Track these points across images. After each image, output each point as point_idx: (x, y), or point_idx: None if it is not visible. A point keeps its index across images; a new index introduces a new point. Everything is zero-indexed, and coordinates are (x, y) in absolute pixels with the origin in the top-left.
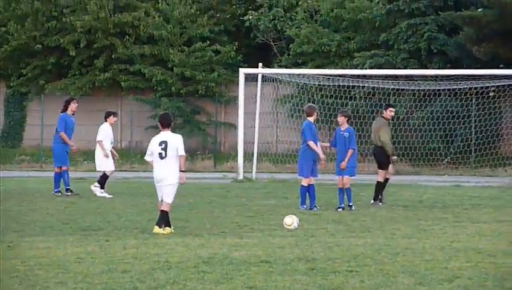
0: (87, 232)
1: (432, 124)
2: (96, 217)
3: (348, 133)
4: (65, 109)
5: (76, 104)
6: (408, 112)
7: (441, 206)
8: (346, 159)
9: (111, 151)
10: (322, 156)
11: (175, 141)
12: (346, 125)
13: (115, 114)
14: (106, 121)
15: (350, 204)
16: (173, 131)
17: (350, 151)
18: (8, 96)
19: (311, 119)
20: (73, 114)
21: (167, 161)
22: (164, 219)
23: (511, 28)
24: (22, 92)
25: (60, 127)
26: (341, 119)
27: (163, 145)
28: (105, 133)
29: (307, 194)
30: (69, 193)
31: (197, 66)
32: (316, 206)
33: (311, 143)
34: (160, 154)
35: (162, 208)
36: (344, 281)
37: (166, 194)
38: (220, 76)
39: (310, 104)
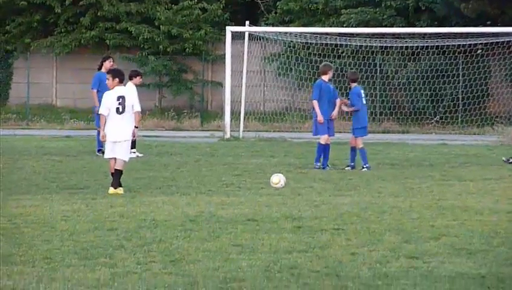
0: (74, 191)
1: (419, 83)
2: (82, 175)
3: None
4: (100, 67)
5: (111, 63)
6: (394, 71)
7: (428, 165)
8: (336, 109)
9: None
10: (319, 117)
11: (132, 96)
12: (354, 85)
13: (141, 74)
14: (131, 81)
15: (366, 165)
16: (159, 89)
17: (338, 102)
18: None
19: (325, 77)
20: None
21: (124, 116)
22: (117, 178)
23: None
24: (7, 50)
25: (93, 85)
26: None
27: (120, 100)
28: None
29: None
30: (100, 154)
31: (184, 24)
32: (328, 165)
33: (313, 103)
34: (117, 109)
35: (117, 167)
36: (330, 239)
37: (122, 151)
38: (207, 34)
39: (326, 62)
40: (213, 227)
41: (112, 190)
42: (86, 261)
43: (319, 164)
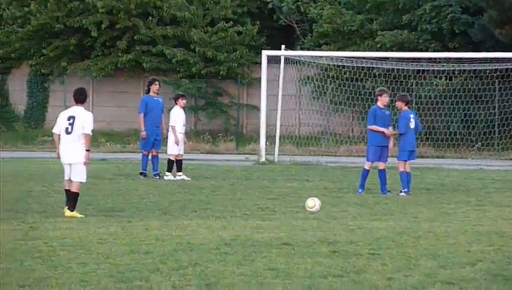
0: (110, 214)
1: (454, 109)
2: (118, 198)
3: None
4: (148, 91)
5: (158, 86)
6: (429, 96)
7: (464, 190)
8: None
9: (183, 135)
10: (387, 132)
11: (83, 117)
12: (404, 109)
13: (183, 96)
14: (176, 104)
15: (404, 190)
16: (195, 113)
17: (394, 132)
18: (30, 78)
19: (379, 103)
20: (157, 94)
21: (73, 136)
22: (72, 200)
23: None
24: (43, 73)
25: (140, 109)
26: (398, 104)
27: (71, 120)
28: (176, 117)
29: (377, 177)
30: (157, 177)
31: (219, 46)
32: (388, 191)
33: (372, 127)
34: (66, 129)
35: (70, 189)
36: (366, 264)
37: (75, 173)
38: (242, 57)
39: (381, 87)
40: (248, 251)
41: (68, 212)
42: (121, 284)
43: (360, 190)
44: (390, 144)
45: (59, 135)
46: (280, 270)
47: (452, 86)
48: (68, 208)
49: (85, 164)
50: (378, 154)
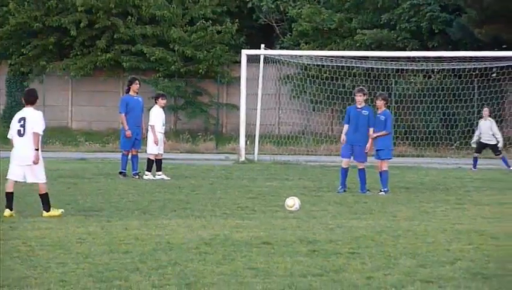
0: (89, 213)
1: (433, 107)
2: (97, 198)
3: (383, 117)
4: (128, 90)
5: (138, 86)
6: (408, 95)
7: (443, 189)
8: (371, 138)
9: (163, 135)
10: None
11: (33, 117)
12: (383, 108)
13: (163, 96)
14: (156, 103)
15: (383, 189)
16: (174, 112)
17: (383, 133)
18: (9, 77)
19: (357, 103)
20: (137, 94)
21: (25, 138)
22: (44, 202)
23: None
24: (22, 72)
25: (120, 108)
26: (379, 102)
27: (22, 122)
28: (156, 116)
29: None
30: (137, 177)
31: (199, 45)
32: (367, 190)
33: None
34: (18, 131)
35: (39, 192)
36: (345, 263)
37: (34, 175)
38: (222, 56)
39: (359, 87)
40: (228, 250)
41: (45, 213)
42: (101, 284)
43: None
44: (368, 144)
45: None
46: (260, 269)
47: (431, 84)
48: (43, 209)
49: (34, 163)
50: (349, 152)
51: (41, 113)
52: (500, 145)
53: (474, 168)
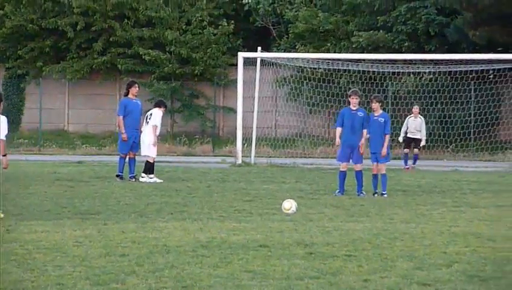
0: (86, 216)
1: (429, 109)
2: (94, 201)
3: (382, 119)
4: (126, 93)
5: (137, 89)
6: (404, 97)
7: (440, 191)
8: (385, 145)
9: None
10: (336, 141)
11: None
12: (380, 111)
13: (165, 106)
14: (158, 108)
15: (383, 192)
16: (171, 115)
17: (387, 137)
18: (6, 80)
19: (351, 105)
20: (135, 97)
21: None
22: None
23: (507, 12)
24: (19, 75)
25: (119, 111)
26: (375, 105)
27: None
28: (160, 118)
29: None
30: (133, 180)
31: (195, 47)
32: (363, 192)
33: (336, 130)
34: None
35: None
36: (342, 266)
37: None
38: (218, 57)
39: (353, 88)
40: (224, 253)
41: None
42: (97, 287)
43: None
44: (363, 146)
45: None
46: (256, 272)
47: (427, 87)
48: None
49: (4, 168)
50: (347, 155)
51: (5, 118)
52: (422, 143)
53: (406, 165)
